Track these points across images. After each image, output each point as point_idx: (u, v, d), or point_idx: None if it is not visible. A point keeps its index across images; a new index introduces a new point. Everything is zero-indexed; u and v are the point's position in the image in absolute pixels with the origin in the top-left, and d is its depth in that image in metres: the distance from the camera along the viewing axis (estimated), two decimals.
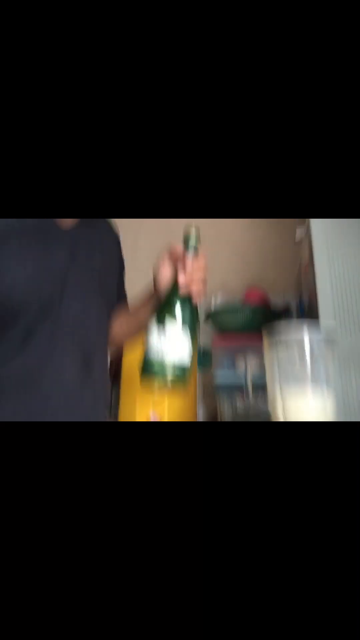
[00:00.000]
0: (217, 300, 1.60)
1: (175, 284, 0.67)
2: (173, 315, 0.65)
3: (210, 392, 1.61)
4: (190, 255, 0.67)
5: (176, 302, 0.66)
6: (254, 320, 1.48)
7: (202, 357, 1.73)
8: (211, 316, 1.57)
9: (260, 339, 1.48)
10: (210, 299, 1.66)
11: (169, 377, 0.61)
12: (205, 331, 1.79)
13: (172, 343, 0.62)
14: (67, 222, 0.81)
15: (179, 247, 0.70)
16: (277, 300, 1.70)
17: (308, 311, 1.24)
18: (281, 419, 0.62)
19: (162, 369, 0.61)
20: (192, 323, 0.65)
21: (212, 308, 1.57)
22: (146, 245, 1.87)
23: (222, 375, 1.50)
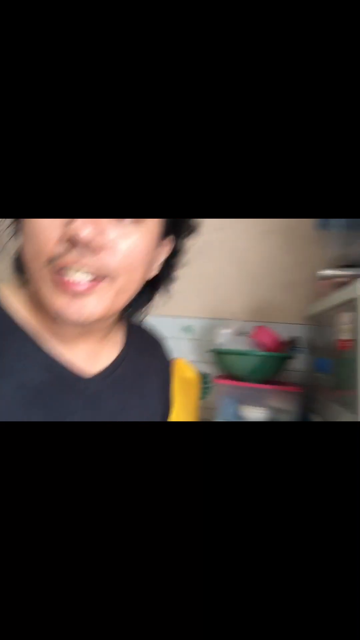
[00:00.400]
0: (221, 331, 1.39)
1: None
2: None
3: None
4: None
5: None
6: (263, 368, 1.30)
7: (203, 383, 1.56)
8: (215, 354, 1.39)
9: (268, 386, 1.32)
10: (215, 328, 1.45)
11: None
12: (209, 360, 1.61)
13: None
14: (91, 368, 0.53)
15: None
16: (283, 330, 1.54)
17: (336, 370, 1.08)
18: None
19: None
20: None
21: (218, 340, 1.37)
22: None
23: (224, 416, 1.34)
